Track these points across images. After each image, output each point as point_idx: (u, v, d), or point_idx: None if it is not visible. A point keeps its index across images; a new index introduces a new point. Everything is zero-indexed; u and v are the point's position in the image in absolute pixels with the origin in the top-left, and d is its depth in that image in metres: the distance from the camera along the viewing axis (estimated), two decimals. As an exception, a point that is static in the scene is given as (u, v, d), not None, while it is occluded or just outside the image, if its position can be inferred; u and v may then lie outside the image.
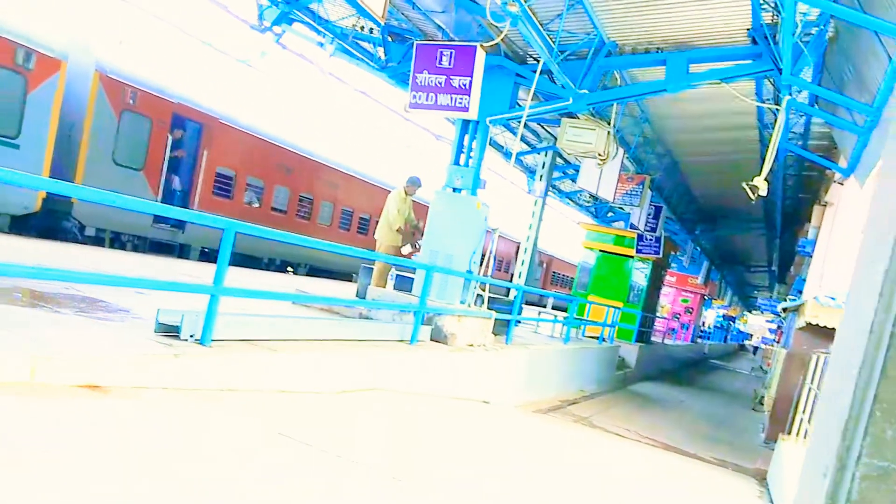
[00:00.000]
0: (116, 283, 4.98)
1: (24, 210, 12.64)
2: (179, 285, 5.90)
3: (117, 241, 14.99)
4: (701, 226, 26.14)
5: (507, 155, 17.15)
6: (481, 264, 10.67)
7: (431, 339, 9.40)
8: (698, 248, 30.38)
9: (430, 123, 17.38)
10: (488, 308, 10.89)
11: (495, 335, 11.14)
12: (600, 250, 21.33)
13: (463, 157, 11.01)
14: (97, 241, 14.39)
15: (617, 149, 13.79)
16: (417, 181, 11.20)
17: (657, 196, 20.23)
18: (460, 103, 9.97)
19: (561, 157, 17.64)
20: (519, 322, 13.06)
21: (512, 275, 19.70)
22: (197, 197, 16.31)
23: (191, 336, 5.67)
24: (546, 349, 13.30)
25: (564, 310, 16.89)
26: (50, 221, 13.52)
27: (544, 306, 17.10)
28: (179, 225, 15.85)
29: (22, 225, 12.75)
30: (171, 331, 5.67)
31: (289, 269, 20.07)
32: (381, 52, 11.51)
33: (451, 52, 10.00)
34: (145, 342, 5.31)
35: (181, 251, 16.69)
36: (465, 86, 9.93)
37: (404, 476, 5.03)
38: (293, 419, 5.77)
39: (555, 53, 10.24)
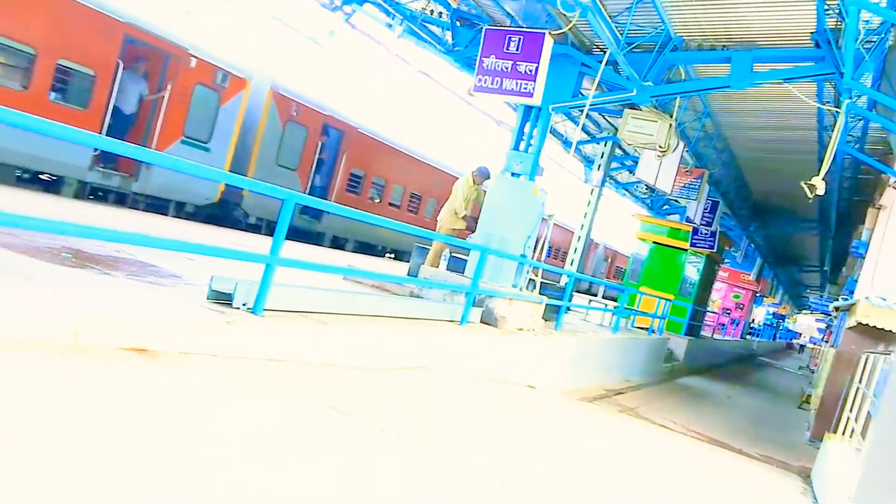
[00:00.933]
0: (169, 246, 4.80)
1: (206, 201, 14.73)
2: (235, 253, 5.71)
3: (272, 227, 15.68)
4: (755, 223, 25.05)
5: (567, 143, 16.64)
6: (535, 249, 10.29)
7: (481, 321, 9.09)
8: (752, 245, 29.25)
9: (492, 109, 16.99)
10: (540, 293, 10.52)
11: (545, 320, 10.78)
12: (654, 242, 20.59)
13: (523, 144, 10.64)
14: (255, 228, 16.24)
15: (677, 142, 13.25)
16: (486, 173, 10.79)
17: (714, 191, 19.41)
18: (525, 89, 9.59)
19: (620, 147, 17.10)
20: (569, 309, 12.65)
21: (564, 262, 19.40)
22: (334, 193, 18.20)
23: (243, 305, 5.48)
24: (595, 337, 12.88)
25: (615, 299, 16.38)
26: (225, 211, 15.62)
27: (595, 294, 16.61)
28: (318, 215, 17.71)
29: (202, 213, 14.76)
30: (224, 298, 5.49)
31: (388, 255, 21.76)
32: (448, 35, 11.18)
33: (520, 39, 9.63)
34: (197, 308, 5.14)
35: (318, 238, 18.48)
36: (530, 72, 9.54)
37: (444, 453, 4.78)
38: (341, 393, 5.59)
39: (622, 45, 9.95)
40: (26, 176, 11.70)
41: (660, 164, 15.11)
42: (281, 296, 5.79)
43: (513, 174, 10.38)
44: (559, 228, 26.91)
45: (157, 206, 13.87)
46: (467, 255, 9.85)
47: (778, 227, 25.30)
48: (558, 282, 13.28)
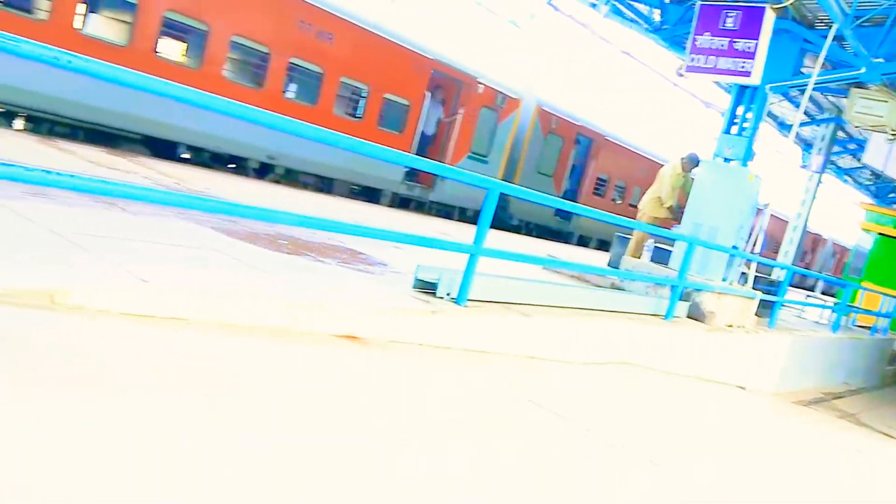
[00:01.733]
0: (379, 236, 4.68)
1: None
2: (440, 242, 5.52)
3: (533, 229, 18.59)
4: None
5: (782, 126, 14.88)
6: (748, 240, 9.19)
7: (688, 317, 8.28)
8: None
9: (700, 90, 15.66)
10: (752, 287, 9.42)
11: (757, 317, 9.65)
12: (880, 233, 17.97)
13: (735, 128, 9.54)
14: (517, 229, 17.70)
15: (913, 124, 11.29)
16: (696, 160, 9.82)
17: (956, 178, 16.48)
18: (742, 68, 8.53)
19: (843, 129, 15.02)
20: (783, 305, 11.31)
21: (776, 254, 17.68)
22: (582, 195, 19.20)
23: (447, 294, 5.28)
24: (812, 336, 11.38)
25: (833, 295, 14.47)
26: (496, 214, 16.22)
27: (811, 289, 14.80)
28: (567, 217, 19.04)
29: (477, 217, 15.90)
30: (428, 287, 5.31)
31: None
32: (656, 13, 10.28)
33: (738, 14, 8.57)
34: (403, 297, 5.00)
35: (567, 237, 19.94)
36: (749, 49, 8.46)
37: (661, 460, 4.24)
38: (542, 387, 5.24)
39: (850, 18, 8.63)
40: (356, 189, 14.04)
41: (890, 149, 13.08)
42: (483, 286, 5.53)
43: (724, 160, 9.34)
44: (773, 218, 24.89)
45: (445, 212, 15.81)
46: (672, 246, 9.02)
47: None
48: (770, 275, 11.93)
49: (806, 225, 13.59)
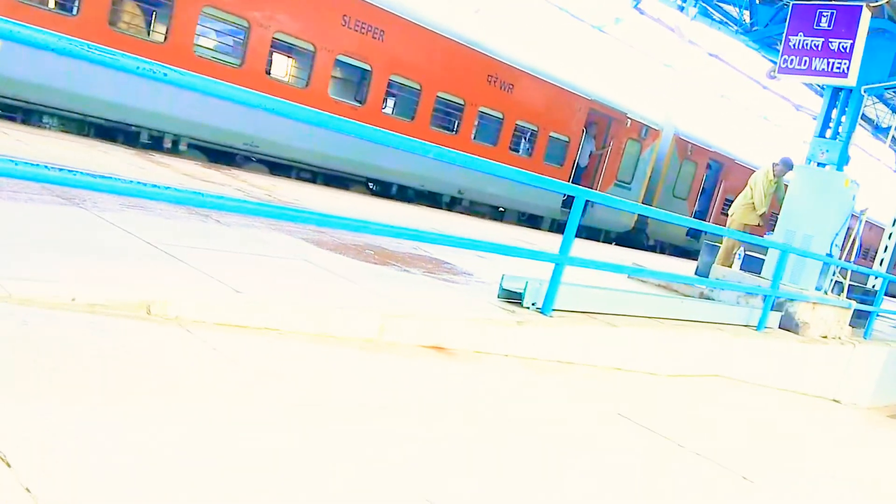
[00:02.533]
0: (464, 245, 4.49)
1: (624, 228, 17.55)
2: (525, 251, 5.28)
3: (667, 248, 19.61)
4: None
5: (878, 129, 13.83)
6: (843, 248, 8.50)
7: (780, 327, 7.70)
8: None
9: (791, 92, 14.77)
10: (847, 297, 8.71)
11: (851, 327, 8.92)
12: (982, 240, 16.47)
13: (829, 131, 8.86)
14: (652, 248, 18.90)
15: None
16: (790, 164, 9.17)
17: None
18: (838, 69, 7.89)
19: (942, 132, 13.81)
20: (878, 315, 10.44)
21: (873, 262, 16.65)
22: (711, 216, 19.89)
23: (532, 304, 5.02)
24: (910, 348, 10.47)
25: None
26: (635, 236, 18.08)
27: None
28: (697, 235, 19.12)
29: (620, 239, 17.66)
30: (513, 297, 5.07)
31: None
32: (746, 15, 9.69)
33: (832, 13, 7.94)
34: (488, 307, 4.78)
35: (695, 254, 20.46)
36: (845, 49, 7.81)
37: (756, 477, 3.87)
38: (631, 400, 4.92)
39: None
40: (523, 217, 15.47)
41: None
42: (568, 295, 5.24)
43: (818, 164, 8.68)
44: (869, 225, 23.69)
45: (594, 235, 16.66)
46: (764, 254, 8.43)
47: None
48: (865, 283, 11.06)
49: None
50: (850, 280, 9.14)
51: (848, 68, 7.97)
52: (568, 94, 14.65)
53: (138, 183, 2.63)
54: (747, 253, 8.54)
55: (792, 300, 7.70)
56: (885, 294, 10.76)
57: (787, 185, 8.89)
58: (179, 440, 2.14)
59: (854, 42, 7.91)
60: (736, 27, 9.74)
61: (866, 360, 9.00)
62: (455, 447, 2.87)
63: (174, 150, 10.08)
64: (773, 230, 8.95)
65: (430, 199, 13.59)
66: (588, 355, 5.11)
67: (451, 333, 4.11)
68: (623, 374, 5.36)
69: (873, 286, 10.99)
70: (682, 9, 9.88)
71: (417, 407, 3.17)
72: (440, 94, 12.74)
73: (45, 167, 2.39)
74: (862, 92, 8.69)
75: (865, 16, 7.90)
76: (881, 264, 11.58)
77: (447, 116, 13.07)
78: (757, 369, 6.87)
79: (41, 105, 9.11)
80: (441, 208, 13.46)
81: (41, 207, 4.20)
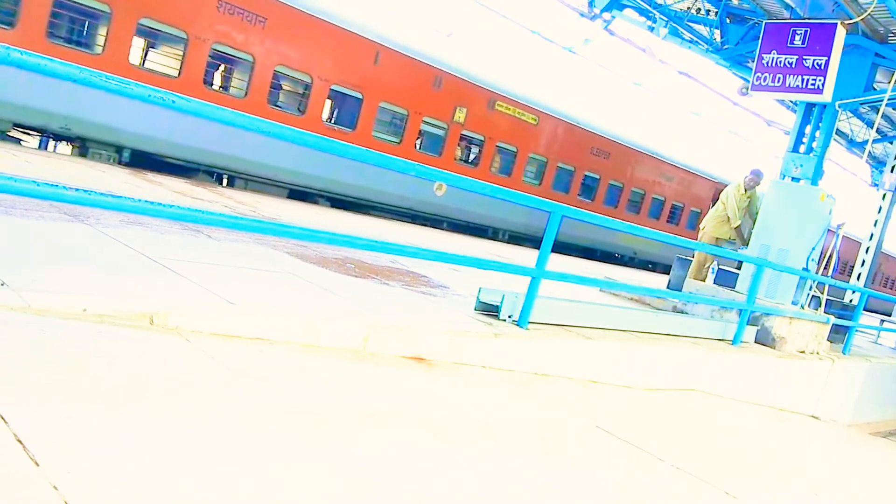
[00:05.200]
0: (442, 259, 4.94)
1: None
2: (502, 265, 5.76)
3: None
4: None
5: (853, 143, 14.69)
6: (820, 263, 9.15)
7: (756, 342, 8.26)
8: None
9: (762, 108, 15.64)
10: (825, 312, 9.34)
11: (830, 342, 9.54)
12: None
13: (803, 147, 9.56)
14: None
15: None
16: (760, 174, 9.86)
17: None
18: (813, 84, 8.57)
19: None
20: (857, 330, 11.11)
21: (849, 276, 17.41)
22: None
23: (509, 317, 5.49)
24: (890, 363, 11.13)
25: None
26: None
27: (888, 314, 14.45)
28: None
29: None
30: (490, 310, 5.54)
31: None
32: (717, 34, 10.42)
33: (806, 31, 8.65)
34: (467, 319, 5.24)
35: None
36: (820, 66, 8.51)
37: (739, 492, 4.27)
38: (609, 413, 5.33)
39: None
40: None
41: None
42: (544, 308, 5.71)
43: (792, 179, 9.35)
44: (845, 239, 24.51)
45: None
46: (738, 268, 9.04)
47: None
48: (842, 298, 11.76)
49: (880, 246, 13.33)
50: (828, 295, 9.79)
51: (823, 84, 8.63)
52: (704, 180, 21.43)
53: (145, 202, 3.07)
54: (721, 267, 9.13)
55: (768, 314, 8.27)
56: (864, 309, 11.44)
57: (760, 199, 9.54)
58: (184, 441, 2.50)
59: (829, 59, 8.58)
60: (707, 46, 10.46)
61: (846, 375, 9.56)
62: (434, 456, 3.18)
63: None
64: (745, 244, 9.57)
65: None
66: (564, 368, 5.57)
67: (432, 345, 4.56)
68: (599, 387, 5.81)
69: (850, 301, 11.67)
70: (652, 29, 10.58)
71: (399, 416, 3.55)
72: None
73: (64, 187, 2.82)
74: (836, 107, 9.39)
75: (840, 33, 8.58)
76: (858, 279, 12.31)
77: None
78: (733, 384, 7.37)
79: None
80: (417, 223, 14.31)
81: (51, 224, 4.71)
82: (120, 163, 10.58)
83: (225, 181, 12.14)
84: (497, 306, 5.51)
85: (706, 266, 9.89)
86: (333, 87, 12.32)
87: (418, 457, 3.10)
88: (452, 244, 10.47)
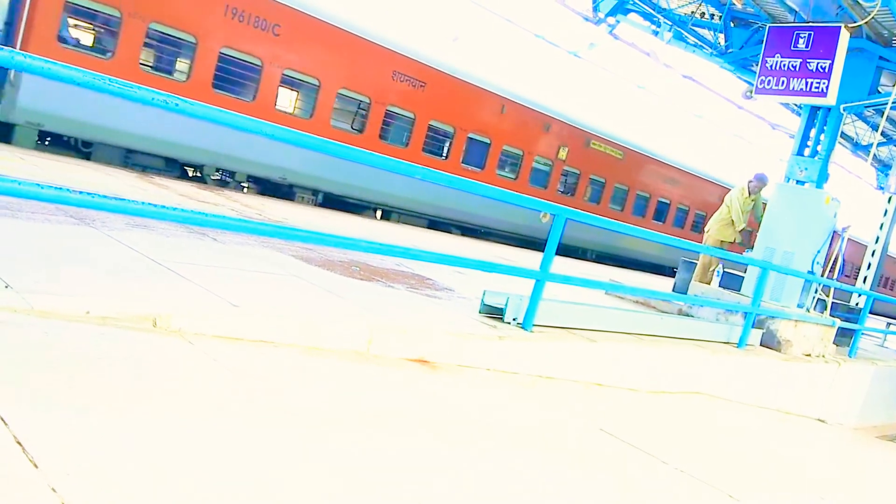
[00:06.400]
0: (447, 261, 4.93)
1: None
2: (506, 268, 5.73)
3: None
4: None
5: (858, 146, 14.62)
6: (826, 266, 9.09)
7: (761, 345, 8.21)
8: None
9: (767, 112, 15.59)
10: (830, 315, 9.28)
11: (836, 346, 9.48)
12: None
13: (808, 150, 9.51)
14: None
15: None
16: (764, 178, 9.82)
17: None
18: (817, 88, 8.54)
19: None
20: (863, 333, 11.04)
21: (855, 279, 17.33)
22: None
23: (513, 319, 5.47)
24: (897, 366, 11.06)
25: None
26: None
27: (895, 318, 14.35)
28: None
29: None
30: (495, 313, 5.52)
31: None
32: (721, 38, 10.40)
33: (810, 34, 8.63)
34: (471, 322, 5.22)
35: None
36: (823, 69, 8.47)
37: (743, 495, 4.23)
38: (612, 416, 5.30)
39: None
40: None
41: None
42: (548, 311, 5.69)
43: (797, 182, 9.31)
44: (851, 242, 24.56)
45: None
46: (743, 271, 8.99)
47: None
48: (848, 301, 11.68)
49: (886, 249, 13.24)
50: (834, 298, 9.72)
51: (827, 88, 8.61)
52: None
53: (150, 204, 3.06)
54: (726, 270, 9.09)
55: (773, 317, 8.22)
56: (871, 312, 11.37)
57: (765, 204, 9.49)
58: (185, 442, 2.48)
59: (833, 62, 8.56)
60: (711, 50, 10.44)
61: (852, 378, 9.50)
62: (435, 457, 3.17)
63: None
64: (751, 247, 9.52)
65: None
66: (569, 370, 5.54)
67: (436, 347, 4.54)
68: (603, 390, 5.78)
69: (857, 304, 11.60)
70: (656, 33, 10.56)
71: (400, 417, 3.54)
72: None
73: (68, 190, 2.81)
74: (841, 110, 9.34)
75: (844, 36, 8.55)
76: (864, 282, 12.23)
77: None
78: (739, 387, 7.32)
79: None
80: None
81: (56, 227, 4.72)
82: (316, 204, 13.10)
83: (379, 214, 14.82)
84: (501, 309, 5.49)
85: (711, 269, 9.85)
86: (470, 134, 15.15)
87: (419, 457, 3.09)
88: (454, 247, 10.46)
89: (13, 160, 7.53)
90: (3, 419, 2.19)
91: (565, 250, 17.23)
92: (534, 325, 5.47)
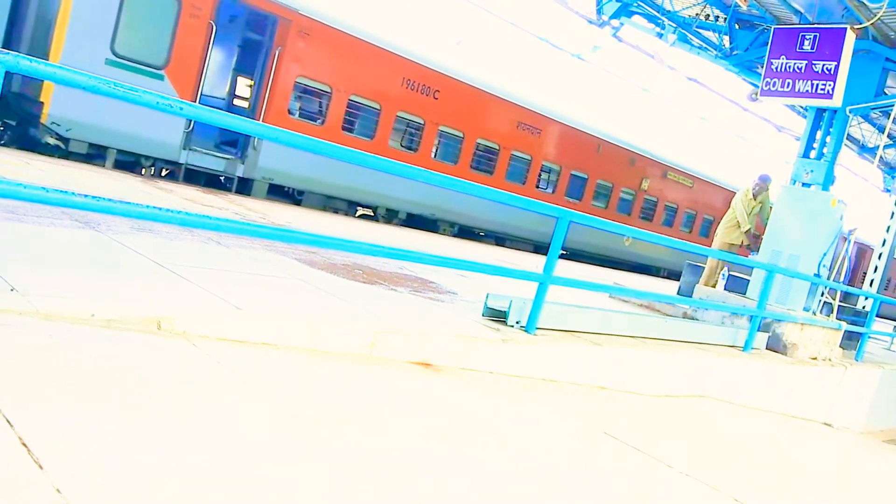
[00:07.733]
0: (450, 264, 4.95)
1: None
2: (509, 271, 5.74)
3: None
4: None
5: (864, 149, 14.59)
6: (832, 269, 9.07)
7: (767, 348, 8.21)
8: None
9: (772, 114, 15.59)
10: (837, 318, 9.26)
11: (842, 349, 9.46)
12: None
13: (814, 152, 9.50)
14: None
15: None
16: (767, 179, 9.81)
17: None
18: (822, 90, 8.54)
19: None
20: (870, 336, 11.00)
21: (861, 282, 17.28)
22: None
23: (517, 323, 5.48)
24: (905, 370, 11.01)
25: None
26: None
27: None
28: None
29: None
30: (498, 316, 5.53)
31: None
32: (726, 40, 10.40)
33: (815, 36, 8.62)
34: (474, 325, 5.23)
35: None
36: (829, 71, 8.46)
37: (749, 499, 4.23)
38: (617, 419, 5.30)
39: None
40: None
41: None
42: (552, 314, 5.69)
43: (803, 184, 9.29)
44: (857, 245, 24.55)
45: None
46: (749, 275, 8.99)
47: None
48: (855, 304, 11.64)
49: (893, 252, 13.18)
50: (840, 301, 9.70)
51: (833, 89, 8.59)
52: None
53: (154, 208, 3.09)
54: (732, 273, 9.08)
55: (779, 321, 8.21)
56: (877, 315, 11.34)
57: (772, 207, 9.48)
58: (188, 445, 2.51)
59: (839, 64, 8.54)
60: (715, 52, 10.44)
61: (859, 382, 9.47)
62: (437, 459, 3.19)
63: None
64: (757, 250, 9.51)
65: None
66: (572, 374, 5.55)
67: (439, 350, 4.56)
68: (608, 393, 5.78)
69: (863, 307, 11.56)
70: (660, 36, 10.57)
71: (402, 419, 3.56)
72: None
73: (73, 193, 2.84)
74: (847, 112, 9.34)
75: (850, 38, 8.54)
76: (871, 285, 12.19)
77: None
78: (744, 390, 7.31)
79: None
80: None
81: (61, 230, 4.76)
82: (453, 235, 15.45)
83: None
84: (505, 312, 5.50)
85: (718, 272, 9.84)
86: (572, 172, 17.81)
87: (421, 460, 3.10)
88: (457, 250, 10.48)
89: (17, 164, 7.57)
90: (8, 421, 2.21)
91: (641, 268, 20.71)
92: (537, 329, 5.48)
